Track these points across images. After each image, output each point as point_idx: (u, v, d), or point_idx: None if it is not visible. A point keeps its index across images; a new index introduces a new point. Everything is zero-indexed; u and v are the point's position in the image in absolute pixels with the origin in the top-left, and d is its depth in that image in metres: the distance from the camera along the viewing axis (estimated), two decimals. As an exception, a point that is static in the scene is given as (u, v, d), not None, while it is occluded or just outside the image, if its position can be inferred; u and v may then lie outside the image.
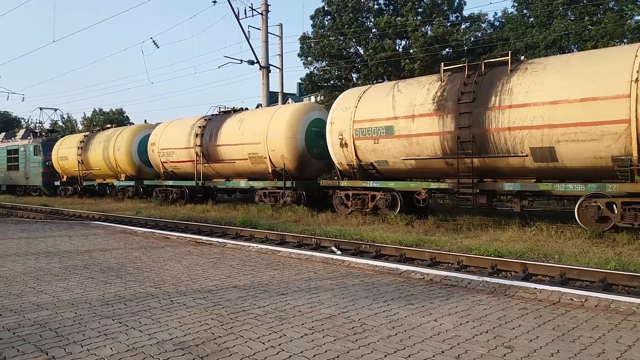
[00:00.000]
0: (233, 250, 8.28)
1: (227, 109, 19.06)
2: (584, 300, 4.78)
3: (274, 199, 16.08)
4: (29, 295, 5.10)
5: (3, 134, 36.10)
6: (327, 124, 14.03)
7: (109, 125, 27.70)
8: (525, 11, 28.97)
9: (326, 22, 30.95)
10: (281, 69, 25.02)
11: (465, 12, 31.02)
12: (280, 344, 3.60)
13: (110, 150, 23.11)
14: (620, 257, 7.81)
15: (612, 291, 6.18)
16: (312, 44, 30.74)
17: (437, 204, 16.95)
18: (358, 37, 29.86)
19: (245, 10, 23.16)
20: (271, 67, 23.22)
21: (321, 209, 14.72)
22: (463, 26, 30.49)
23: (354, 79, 30.93)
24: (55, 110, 40.24)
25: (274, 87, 25.20)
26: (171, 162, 20.02)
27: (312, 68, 32.09)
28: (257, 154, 16.28)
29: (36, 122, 40.18)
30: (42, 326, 4.05)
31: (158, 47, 27.38)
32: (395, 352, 3.44)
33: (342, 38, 29.97)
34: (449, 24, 28.60)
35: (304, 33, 32.17)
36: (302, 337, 3.76)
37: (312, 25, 31.61)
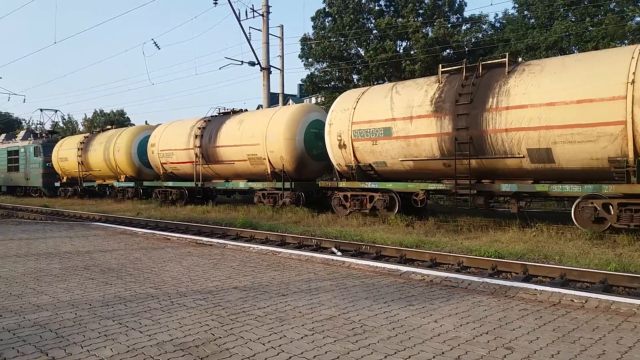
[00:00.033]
0: (233, 251, 8.28)
1: (226, 111, 19.09)
2: (584, 302, 4.78)
3: (273, 200, 16.11)
4: (29, 296, 5.10)
5: (3, 135, 36.15)
6: (325, 125, 14.07)
7: (109, 127, 27.76)
8: (526, 12, 28.97)
9: (327, 24, 30.96)
10: (282, 70, 25.05)
11: (466, 14, 31.00)
12: (280, 345, 3.60)
13: (110, 152, 23.15)
14: (621, 258, 7.80)
15: (613, 292, 6.17)
16: (313, 45, 30.75)
17: (437, 205, 16.94)
18: (359, 39, 29.88)
19: (246, 11, 23.21)
20: (272, 69, 23.24)
21: (321, 210, 14.73)
22: (464, 27, 30.50)
23: (355, 80, 30.93)
24: (56, 111, 40.35)
25: (275, 88, 25.24)
26: (171, 163, 20.04)
27: (312, 69, 32.12)
28: (256, 155, 16.31)
29: (37, 124, 40.23)
30: (42, 327, 4.06)
31: (159, 49, 27.35)
32: (395, 353, 3.44)
33: (342, 39, 29.98)
34: (449, 25, 28.60)
35: (305, 34, 32.22)
36: (302, 338, 3.76)
37: (312, 26, 31.64)
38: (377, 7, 30.48)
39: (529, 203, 11.56)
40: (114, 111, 66.33)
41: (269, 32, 22.81)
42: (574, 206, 9.89)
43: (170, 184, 20.36)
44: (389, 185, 12.79)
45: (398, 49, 28.94)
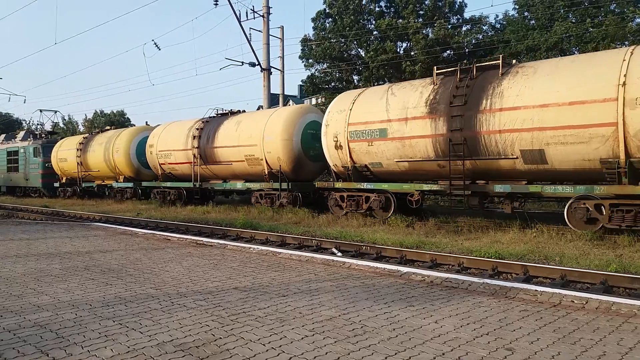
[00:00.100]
0: (234, 252, 8.28)
1: (224, 112, 19.12)
2: (584, 303, 4.78)
3: (270, 200, 16.15)
4: (30, 297, 5.10)
5: (3, 135, 36.17)
6: (322, 127, 14.14)
7: (108, 127, 27.81)
8: (526, 13, 28.99)
9: (327, 25, 30.98)
10: (282, 71, 25.07)
11: (467, 15, 31.00)
12: (280, 346, 3.59)
13: (109, 152, 23.19)
14: (621, 259, 7.80)
15: (613, 293, 6.16)
16: (313, 46, 30.77)
17: (437, 206, 16.94)
18: (359, 40, 29.90)
19: (246, 12, 23.15)
20: (272, 69, 23.25)
21: (321, 211, 14.74)
22: (464, 28, 30.52)
23: (355, 81, 30.94)
24: (55, 112, 40.32)
25: (275, 89, 25.26)
26: (169, 163, 20.08)
27: (313, 70, 32.16)
28: (254, 156, 16.36)
29: (37, 124, 40.24)
30: (42, 327, 4.05)
31: (159, 49, 27.38)
32: (395, 353, 3.44)
33: (343, 40, 30.01)
34: (450, 27, 28.62)
35: (305, 35, 32.25)
36: (302, 338, 3.76)
37: (313, 27, 31.67)
38: (377, 8, 30.51)
39: (523, 204, 11.65)
40: (115, 112, 66.37)
41: (270, 33, 22.84)
42: (566, 207, 10.01)
43: (168, 184, 20.39)
44: (385, 186, 12.86)
45: (398, 50, 28.95)
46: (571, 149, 9.55)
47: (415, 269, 6.82)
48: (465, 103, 10.99)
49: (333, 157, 13.87)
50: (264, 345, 3.61)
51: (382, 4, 30.76)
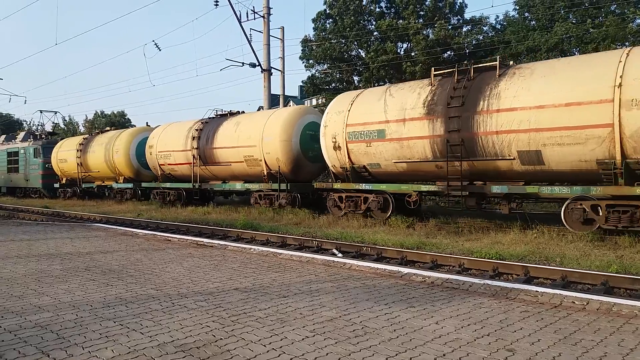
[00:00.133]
0: (234, 253, 8.28)
1: (223, 112, 19.14)
2: (585, 304, 4.77)
3: (269, 201, 16.18)
4: (31, 297, 5.10)
5: (3, 136, 36.19)
6: (321, 127, 14.17)
7: (107, 128, 27.87)
8: (526, 14, 29.00)
9: (328, 25, 31.00)
10: (283, 72, 25.08)
11: (467, 15, 31.02)
12: (281, 347, 3.59)
13: (109, 153, 23.23)
14: (622, 260, 7.79)
15: (614, 294, 6.15)
16: (314, 47, 30.79)
17: (438, 207, 16.94)
18: (359, 40, 29.90)
19: (247, 13, 23.16)
20: (273, 70, 23.26)
21: (322, 212, 14.74)
22: (465, 29, 30.52)
23: (356, 81, 30.95)
24: (55, 113, 40.26)
25: (276, 89, 25.26)
26: (169, 164, 20.10)
27: (313, 71, 32.18)
28: (253, 157, 16.38)
29: (38, 125, 40.22)
30: (43, 328, 4.06)
31: (160, 50, 27.46)
32: (396, 354, 3.44)
33: (343, 41, 30.02)
34: (450, 27, 28.63)
35: (306, 36, 32.24)
36: (303, 339, 3.76)
37: (313, 28, 31.68)
38: (377, 9, 30.51)
39: (520, 204, 11.69)
40: (115, 112, 66.45)
41: (270, 34, 22.87)
42: (563, 208, 10.04)
43: (168, 185, 20.42)
44: (383, 186, 12.89)
45: (399, 51, 28.96)
46: (568, 150, 9.59)
47: (416, 269, 6.81)
48: (462, 104, 11.03)
49: (332, 158, 13.89)
50: (264, 346, 3.62)
51: (383, 4, 30.78)
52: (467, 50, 28.05)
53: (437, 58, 26.36)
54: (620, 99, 8.84)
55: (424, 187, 12.22)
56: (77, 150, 25.49)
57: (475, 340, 3.76)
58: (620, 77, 8.92)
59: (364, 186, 13.25)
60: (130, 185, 22.80)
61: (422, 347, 3.58)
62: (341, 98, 14.40)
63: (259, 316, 4.39)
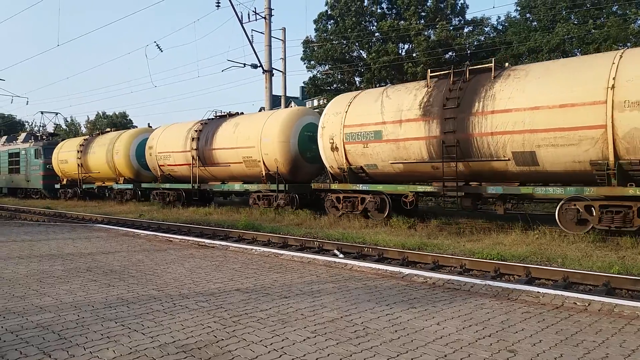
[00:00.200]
0: (235, 253, 8.28)
1: (222, 114, 19.20)
2: (587, 304, 4.77)
3: (268, 201, 16.24)
4: (32, 298, 5.11)
5: (5, 137, 36.25)
6: (318, 129, 14.23)
7: (108, 129, 27.97)
8: (528, 15, 28.99)
9: (329, 26, 31.03)
10: (284, 73, 25.12)
11: (468, 16, 31.02)
12: (282, 347, 3.59)
13: (110, 154, 23.31)
14: (624, 261, 7.78)
15: (616, 295, 6.15)
16: (315, 48, 30.81)
17: (439, 208, 16.93)
18: (361, 41, 29.92)
19: (248, 14, 23.24)
20: (274, 71, 23.28)
21: (323, 212, 14.75)
22: (466, 30, 30.52)
23: (357, 82, 30.97)
24: (57, 114, 40.32)
25: (277, 90, 25.27)
26: (168, 165, 20.15)
27: (315, 72, 32.21)
28: (251, 158, 16.44)
29: (40, 126, 40.31)
30: (44, 329, 4.06)
31: (162, 51, 27.52)
32: (397, 355, 3.44)
33: (345, 42, 30.04)
34: (452, 28, 28.64)
35: (307, 37, 32.30)
36: (304, 340, 3.76)
37: (315, 29, 31.71)
38: (379, 10, 30.53)
39: (515, 205, 11.76)
40: (117, 113, 66.51)
41: (272, 35, 22.89)
42: (557, 208, 10.09)
43: (167, 185, 20.48)
44: (380, 187, 12.96)
45: (400, 52, 28.97)
46: (562, 151, 9.64)
47: (418, 270, 6.81)
48: (458, 105, 11.09)
49: (329, 159, 13.95)
50: (265, 346, 3.62)
51: (384, 5, 30.81)
52: (469, 51, 28.05)
53: (438, 59, 26.37)
54: (613, 100, 8.91)
55: (420, 188, 12.31)
56: (78, 151, 25.57)
57: (476, 341, 3.75)
58: (614, 78, 8.99)
59: (361, 187, 13.32)
60: (130, 186, 22.87)
61: (424, 348, 3.58)
62: (339, 99, 14.48)
63: (261, 317, 4.39)
